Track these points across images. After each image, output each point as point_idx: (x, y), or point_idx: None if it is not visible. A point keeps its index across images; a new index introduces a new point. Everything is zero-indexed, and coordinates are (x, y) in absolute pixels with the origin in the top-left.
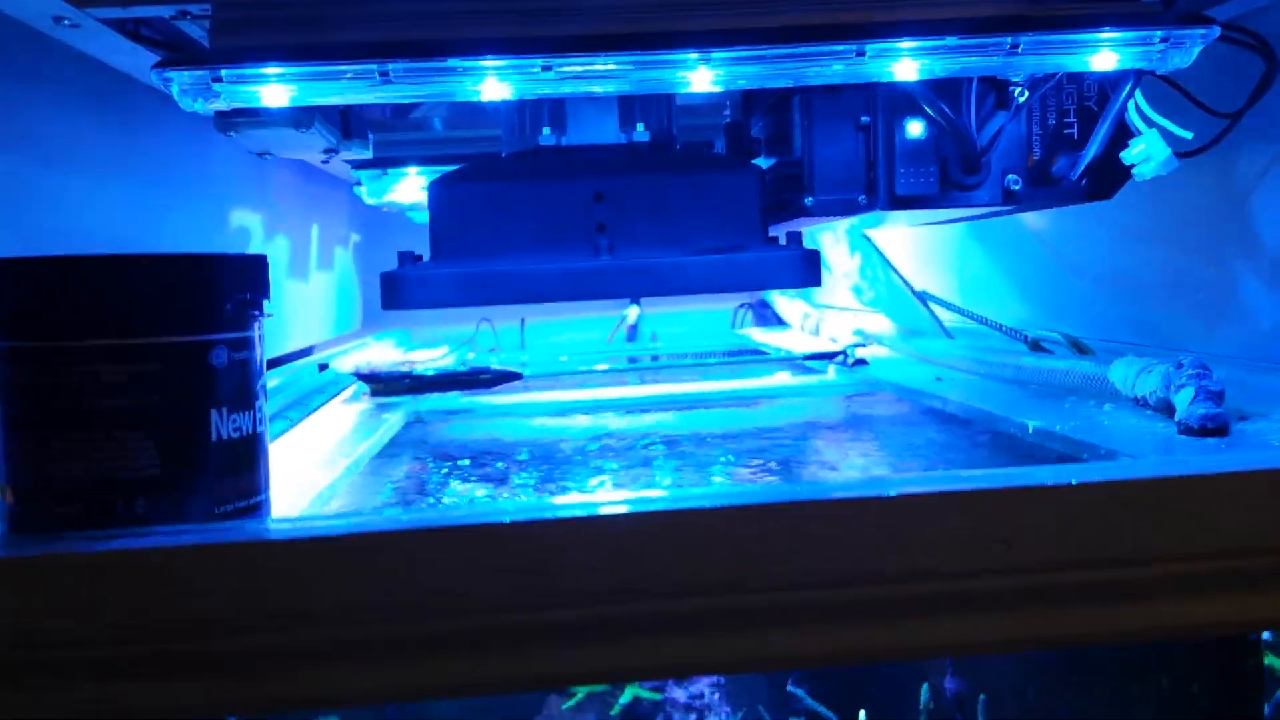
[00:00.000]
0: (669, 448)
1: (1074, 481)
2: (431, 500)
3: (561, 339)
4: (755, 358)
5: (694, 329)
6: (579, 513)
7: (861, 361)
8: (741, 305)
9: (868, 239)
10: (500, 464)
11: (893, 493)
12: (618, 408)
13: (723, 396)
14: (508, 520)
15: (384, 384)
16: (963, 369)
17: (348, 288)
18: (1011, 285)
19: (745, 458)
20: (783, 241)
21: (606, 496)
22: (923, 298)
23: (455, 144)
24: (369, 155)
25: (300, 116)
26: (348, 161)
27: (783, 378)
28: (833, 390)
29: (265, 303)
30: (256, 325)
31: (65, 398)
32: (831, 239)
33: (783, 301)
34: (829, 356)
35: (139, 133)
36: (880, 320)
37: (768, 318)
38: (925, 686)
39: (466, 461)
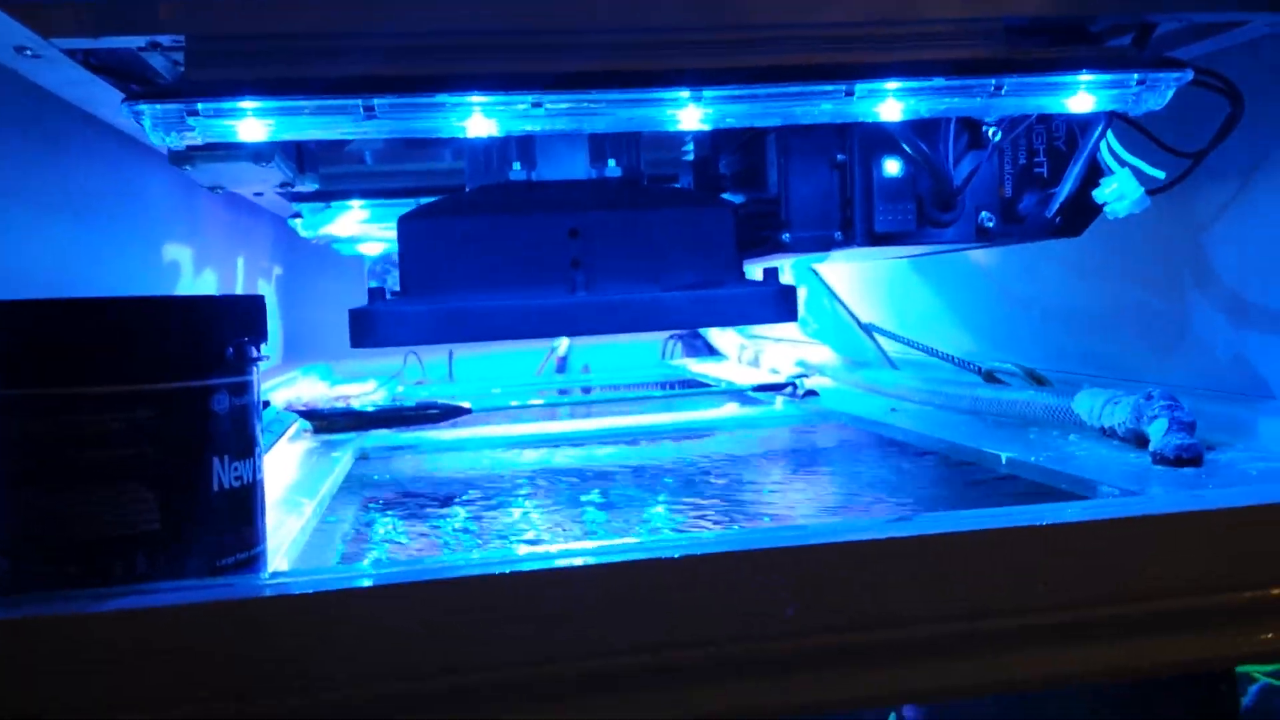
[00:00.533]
0: (638, 483)
1: (1107, 517)
2: (414, 548)
3: (490, 370)
4: (698, 390)
5: (625, 360)
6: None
7: (811, 393)
8: (671, 336)
9: (814, 272)
10: (465, 505)
11: (929, 531)
12: (567, 441)
13: (673, 429)
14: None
15: (327, 421)
16: (914, 400)
17: (271, 321)
18: (956, 318)
19: (725, 493)
20: (759, 277)
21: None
22: (868, 330)
23: (401, 177)
24: (315, 188)
25: (263, 150)
26: (281, 194)
27: (731, 409)
28: (786, 421)
29: (263, 345)
30: (255, 369)
31: (59, 448)
32: None
33: (715, 332)
34: (778, 388)
35: (69, 165)
36: (823, 351)
37: (698, 348)
38: (892, 716)
39: (431, 503)
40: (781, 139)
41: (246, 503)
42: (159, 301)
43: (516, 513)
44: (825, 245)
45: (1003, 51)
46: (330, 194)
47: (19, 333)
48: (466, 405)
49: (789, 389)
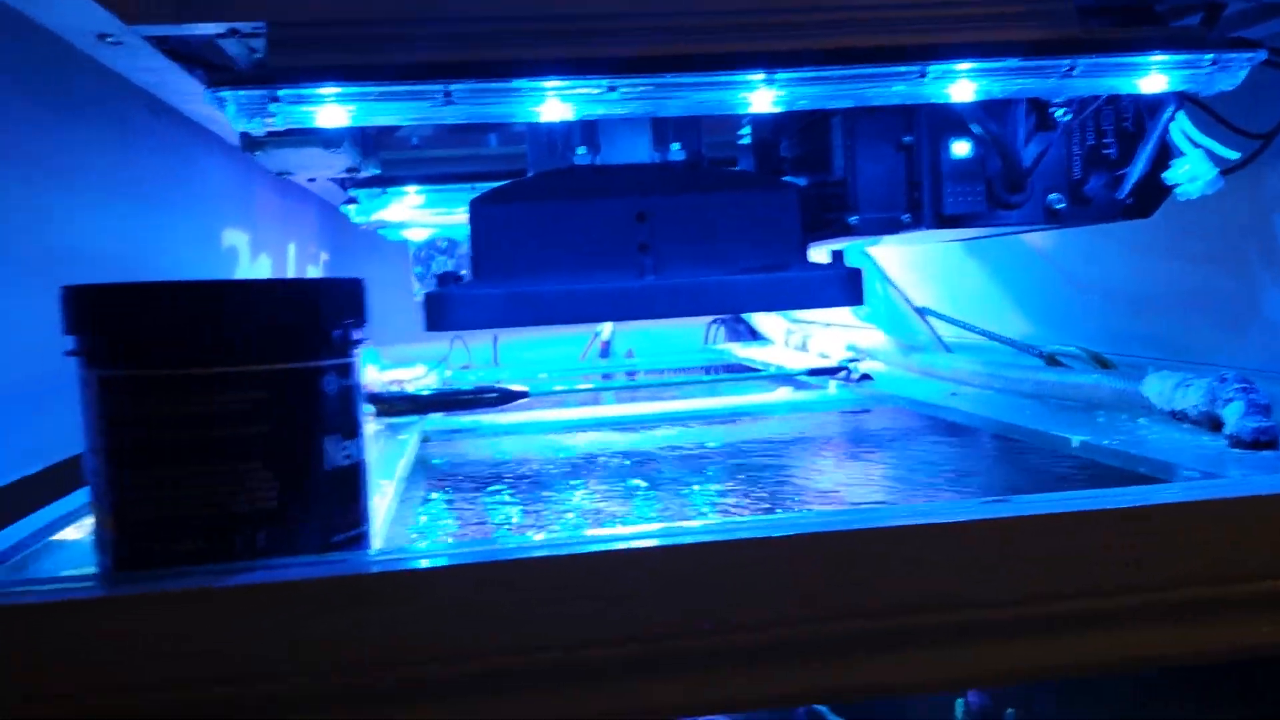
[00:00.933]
0: (712, 464)
1: (1201, 498)
2: (506, 526)
3: (534, 355)
4: (749, 374)
5: (668, 345)
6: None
7: (866, 377)
8: (715, 320)
9: (867, 255)
10: (536, 486)
11: (1028, 512)
12: (623, 425)
13: (727, 413)
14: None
15: (389, 404)
16: (973, 384)
17: None
18: (1012, 301)
19: (788, 477)
20: (822, 260)
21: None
22: (922, 313)
23: (456, 163)
24: (375, 173)
25: (333, 136)
26: (337, 180)
27: (783, 393)
28: (841, 405)
29: (365, 328)
30: (357, 351)
31: (182, 427)
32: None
33: (760, 316)
34: (831, 372)
35: (135, 149)
36: (874, 335)
37: (741, 333)
38: (960, 702)
39: (501, 484)
40: (847, 121)
41: (354, 481)
42: (278, 285)
43: (580, 495)
44: (892, 227)
45: (1075, 32)
46: (387, 179)
47: (145, 315)
48: (524, 389)
49: (843, 373)
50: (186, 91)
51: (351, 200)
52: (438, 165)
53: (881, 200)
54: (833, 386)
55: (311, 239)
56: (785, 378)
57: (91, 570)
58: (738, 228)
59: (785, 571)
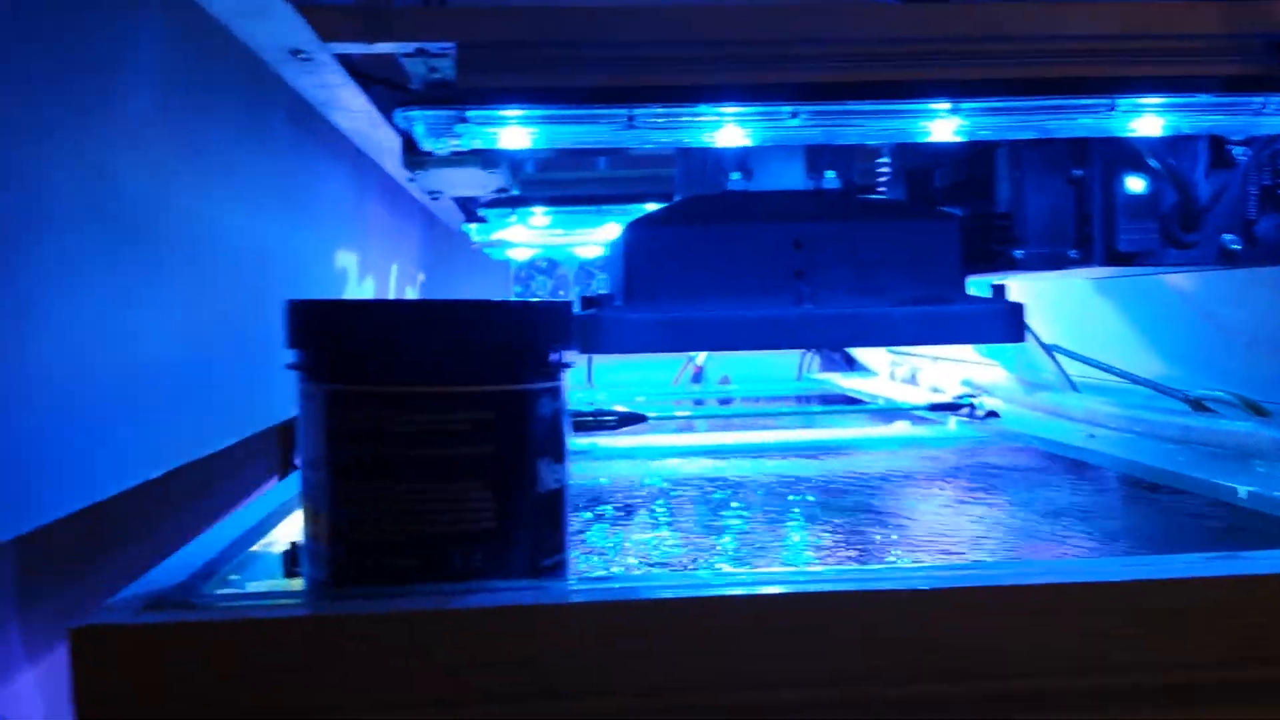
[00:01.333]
0: (829, 501)
1: None
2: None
3: (628, 377)
4: (857, 407)
5: (762, 372)
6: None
7: (993, 414)
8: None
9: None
10: (673, 513)
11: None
12: (742, 453)
13: (850, 444)
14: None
15: None
16: (1110, 426)
17: None
18: (1146, 342)
19: (929, 517)
20: (987, 294)
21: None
22: (1050, 350)
23: (580, 185)
24: (516, 193)
25: (494, 157)
26: (459, 201)
27: (902, 427)
28: (968, 443)
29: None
30: (565, 375)
31: (406, 444)
32: None
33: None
34: (953, 408)
35: (280, 164)
36: (991, 371)
37: (837, 361)
38: None
39: (634, 511)
40: (1014, 152)
41: (560, 506)
42: (503, 306)
43: (733, 522)
44: (1059, 263)
45: (1260, 69)
46: (518, 200)
47: (366, 330)
48: (643, 414)
49: (965, 409)
50: (353, 109)
51: (480, 220)
52: (563, 188)
53: (1049, 234)
54: (953, 423)
55: (412, 261)
56: (899, 411)
57: (297, 585)
58: (896, 258)
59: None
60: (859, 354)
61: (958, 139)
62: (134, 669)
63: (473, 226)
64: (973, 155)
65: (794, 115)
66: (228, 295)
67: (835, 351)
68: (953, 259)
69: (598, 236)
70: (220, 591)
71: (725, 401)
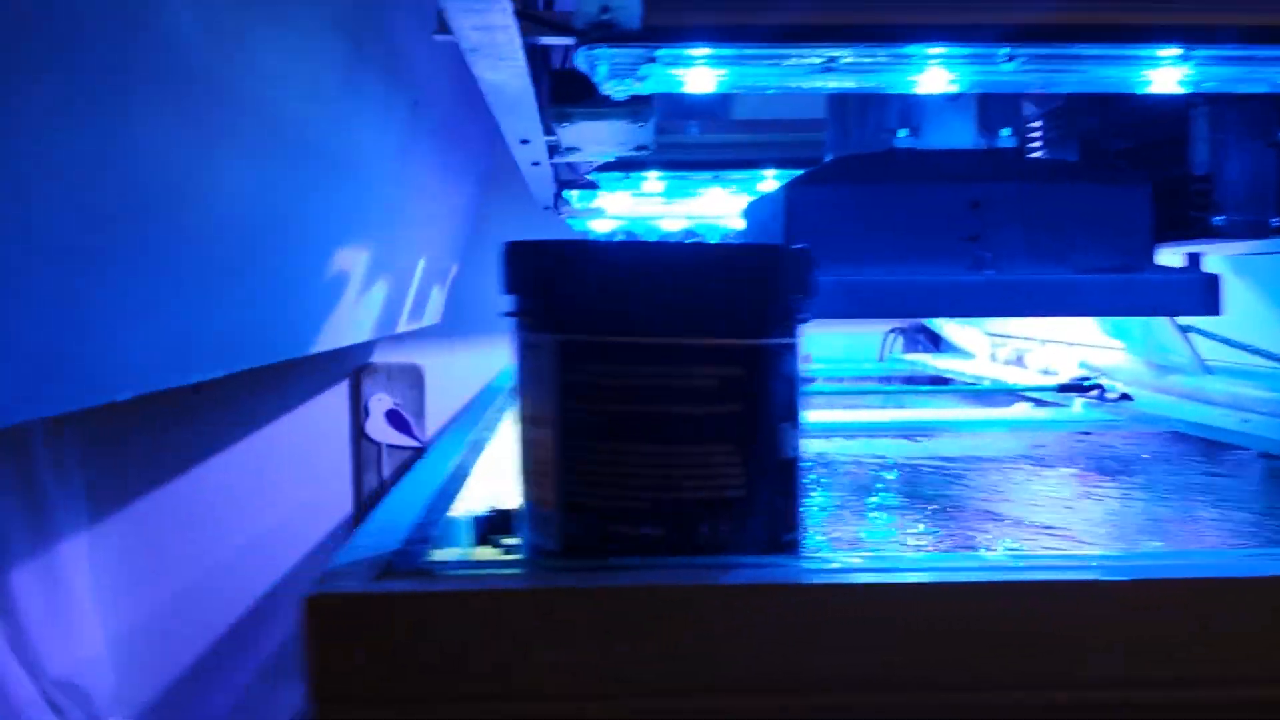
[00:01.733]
0: (963, 483)
1: None
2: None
3: None
4: (974, 387)
5: (844, 351)
6: None
7: (1125, 396)
8: (893, 330)
9: None
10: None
11: None
12: (873, 432)
13: (989, 425)
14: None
15: None
16: (1260, 411)
17: None
18: None
19: (1092, 500)
20: (1183, 264)
21: None
22: (1185, 331)
23: (706, 149)
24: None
25: (641, 110)
26: (567, 164)
27: (1022, 409)
28: (1102, 426)
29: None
30: (801, 329)
31: (649, 401)
32: None
33: (952, 327)
34: (1080, 390)
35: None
36: (1109, 354)
37: (920, 342)
38: None
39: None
40: (1216, 112)
41: (796, 476)
42: (745, 250)
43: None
44: (1260, 232)
45: None
46: (636, 164)
47: (613, 276)
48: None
49: (1094, 391)
50: (502, 56)
51: (588, 185)
52: (691, 152)
53: (1251, 201)
54: (1078, 405)
55: (446, 254)
56: (1013, 392)
57: (500, 554)
58: (1080, 223)
59: None
60: (950, 334)
61: (1178, 90)
62: (370, 637)
63: (574, 193)
64: (1157, 118)
65: (1010, 58)
66: None
67: (919, 332)
68: (1143, 225)
69: (692, 209)
70: (448, 559)
71: (809, 379)
